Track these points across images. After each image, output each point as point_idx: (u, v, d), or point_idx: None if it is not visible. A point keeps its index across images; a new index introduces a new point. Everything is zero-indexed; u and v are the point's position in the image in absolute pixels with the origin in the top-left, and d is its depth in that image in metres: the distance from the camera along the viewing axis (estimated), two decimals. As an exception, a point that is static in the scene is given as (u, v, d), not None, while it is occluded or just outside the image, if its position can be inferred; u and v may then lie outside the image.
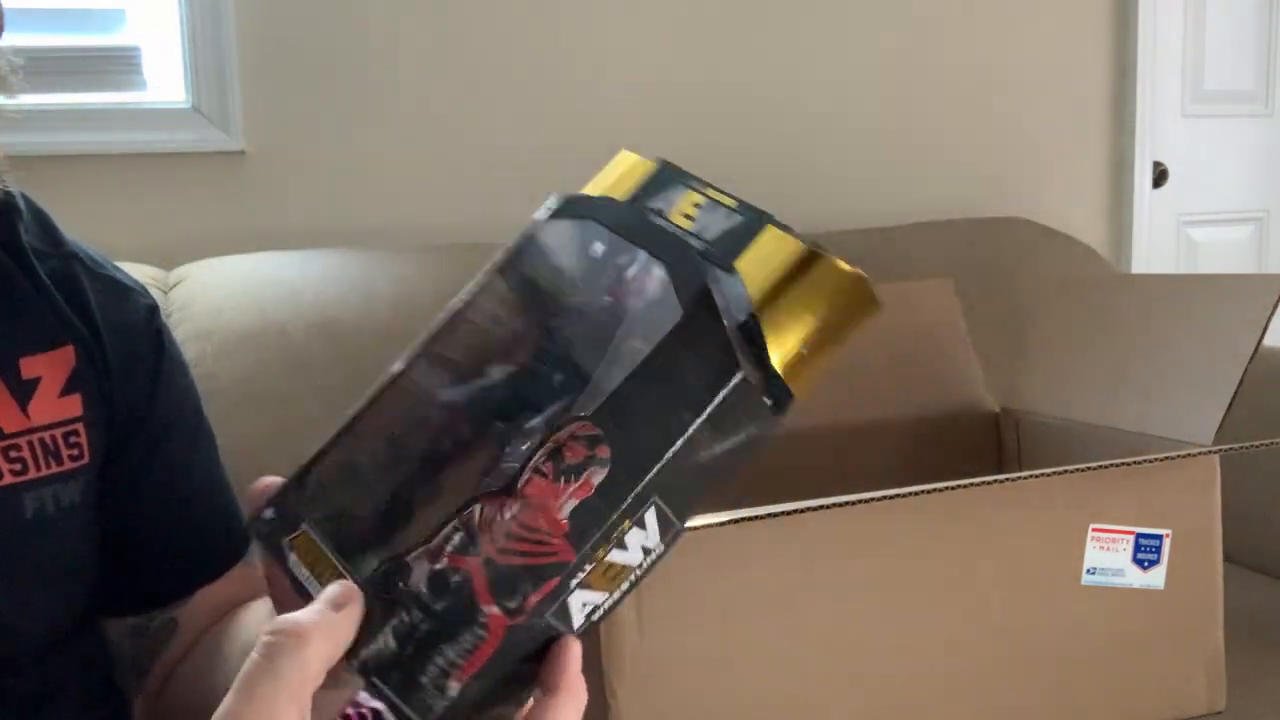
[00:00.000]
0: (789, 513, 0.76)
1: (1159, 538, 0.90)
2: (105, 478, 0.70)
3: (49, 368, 0.67)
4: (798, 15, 1.96)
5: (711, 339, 0.38)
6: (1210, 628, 0.93)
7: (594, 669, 0.79)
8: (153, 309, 0.76)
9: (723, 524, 0.76)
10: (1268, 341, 0.93)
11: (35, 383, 0.66)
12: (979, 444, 1.24)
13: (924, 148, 2.08)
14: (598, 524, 0.37)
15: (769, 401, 0.38)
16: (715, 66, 1.91)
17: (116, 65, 1.62)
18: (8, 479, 0.64)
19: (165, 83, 1.65)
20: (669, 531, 0.38)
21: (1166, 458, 0.89)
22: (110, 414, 0.71)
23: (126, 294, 0.75)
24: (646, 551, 0.38)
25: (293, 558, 0.41)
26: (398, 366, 0.45)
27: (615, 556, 0.38)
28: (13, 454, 0.65)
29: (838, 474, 1.14)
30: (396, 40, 1.72)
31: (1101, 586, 0.90)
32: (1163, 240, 2.41)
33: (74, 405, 0.68)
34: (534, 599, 0.37)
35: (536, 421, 0.39)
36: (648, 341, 0.39)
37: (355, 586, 0.39)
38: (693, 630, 0.80)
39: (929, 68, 2.07)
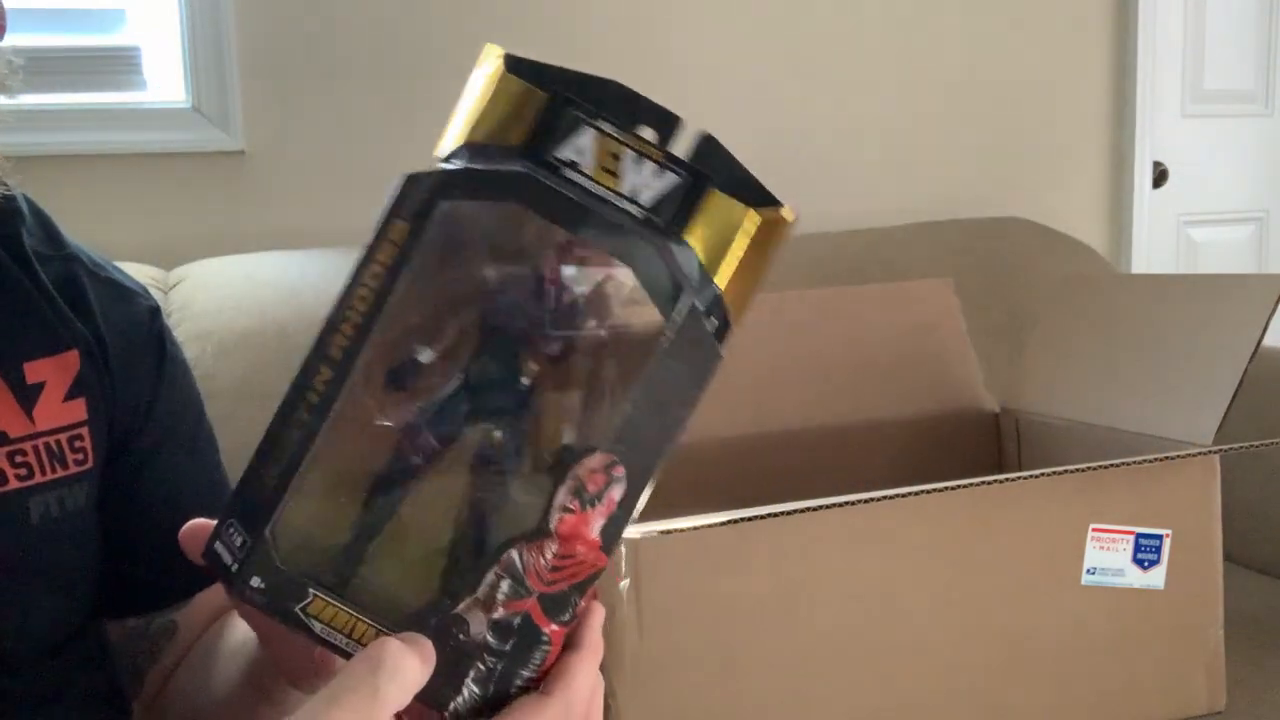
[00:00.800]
0: (789, 513, 0.76)
1: (1159, 538, 0.90)
2: (107, 479, 0.71)
3: (53, 372, 0.67)
4: (798, 15, 1.96)
5: (697, 344, 0.40)
6: (1210, 628, 0.93)
7: (594, 669, 0.80)
8: (155, 311, 0.76)
9: (723, 524, 0.76)
10: (1268, 341, 0.93)
11: (40, 387, 0.66)
12: (979, 444, 1.24)
13: (924, 148, 2.08)
14: (622, 527, 0.41)
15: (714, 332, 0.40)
16: (714, 66, 1.91)
17: (116, 65, 1.62)
18: (14, 484, 0.64)
19: (165, 83, 1.65)
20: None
21: (1166, 458, 0.89)
22: (112, 416, 0.71)
23: (129, 296, 0.75)
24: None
25: (318, 625, 0.41)
26: (320, 393, 0.41)
27: None
28: (18, 459, 0.65)
29: (838, 474, 1.14)
30: (396, 40, 1.72)
31: (1101, 586, 0.90)
32: (1163, 240, 2.41)
33: (78, 409, 0.68)
34: (583, 604, 0.42)
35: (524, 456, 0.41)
36: (634, 359, 0.39)
37: (427, 640, 0.41)
38: (693, 630, 0.80)
39: (929, 68, 2.07)
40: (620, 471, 0.40)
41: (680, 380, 0.40)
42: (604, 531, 0.40)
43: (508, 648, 0.41)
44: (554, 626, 0.41)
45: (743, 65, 1.93)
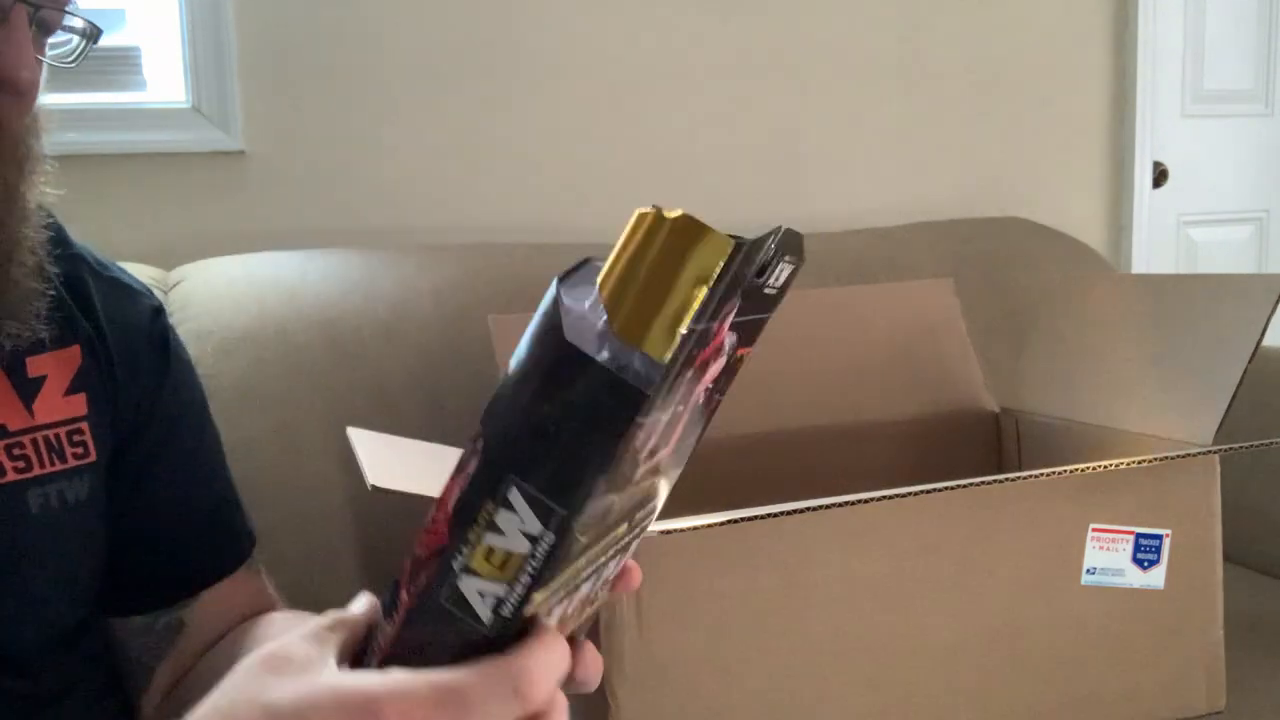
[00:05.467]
0: (789, 513, 0.76)
1: (1159, 538, 0.90)
2: (112, 476, 0.71)
3: (55, 367, 0.68)
4: (797, 14, 1.96)
5: (555, 326, 0.38)
6: (1210, 628, 0.93)
7: (594, 669, 0.79)
8: (158, 310, 0.77)
9: (723, 524, 0.76)
10: (1268, 341, 0.93)
11: (41, 381, 0.67)
12: (979, 444, 1.24)
13: (924, 148, 2.08)
14: (468, 508, 0.39)
15: (614, 370, 0.37)
16: (714, 66, 1.91)
17: (116, 65, 1.62)
18: (11, 476, 0.65)
19: (165, 83, 1.65)
20: (550, 517, 0.38)
21: (1166, 458, 0.89)
22: (115, 413, 0.71)
23: (132, 296, 0.75)
24: (531, 538, 0.38)
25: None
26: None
27: (492, 540, 0.39)
28: (16, 451, 0.65)
29: (838, 474, 1.14)
30: (397, 40, 1.72)
31: (1101, 586, 0.90)
32: (1163, 240, 2.41)
33: (79, 404, 0.68)
34: (423, 578, 0.40)
35: None
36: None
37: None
38: (693, 630, 0.80)
39: (929, 68, 2.07)
40: (480, 444, 0.39)
41: (535, 361, 0.38)
42: (457, 504, 0.39)
43: (386, 610, 0.42)
44: (404, 595, 0.41)
45: (743, 66, 1.93)
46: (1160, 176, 2.35)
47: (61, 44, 0.65)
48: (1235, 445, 0.89)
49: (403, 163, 1.74)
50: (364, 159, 1.72)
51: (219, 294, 1.37)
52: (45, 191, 0.65)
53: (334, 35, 1.69)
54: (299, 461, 1.26)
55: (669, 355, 0.37)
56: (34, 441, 0.66)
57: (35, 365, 0.67)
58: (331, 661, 0.40)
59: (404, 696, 0.37)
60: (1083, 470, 0.86)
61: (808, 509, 0.76)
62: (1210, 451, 0.90)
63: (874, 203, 1.99)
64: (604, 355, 0.37)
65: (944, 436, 1.22)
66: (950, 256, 1.75)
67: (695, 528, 0.74)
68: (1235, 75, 2.47)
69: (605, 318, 0.38)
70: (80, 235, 0.75)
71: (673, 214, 0.38)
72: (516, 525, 0.38)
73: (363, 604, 0.45)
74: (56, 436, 0.67)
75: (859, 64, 2.02)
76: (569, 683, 0.47)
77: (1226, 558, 0.94)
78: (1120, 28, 2.23)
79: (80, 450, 0.68)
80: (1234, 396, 0.91)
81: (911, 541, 0.85)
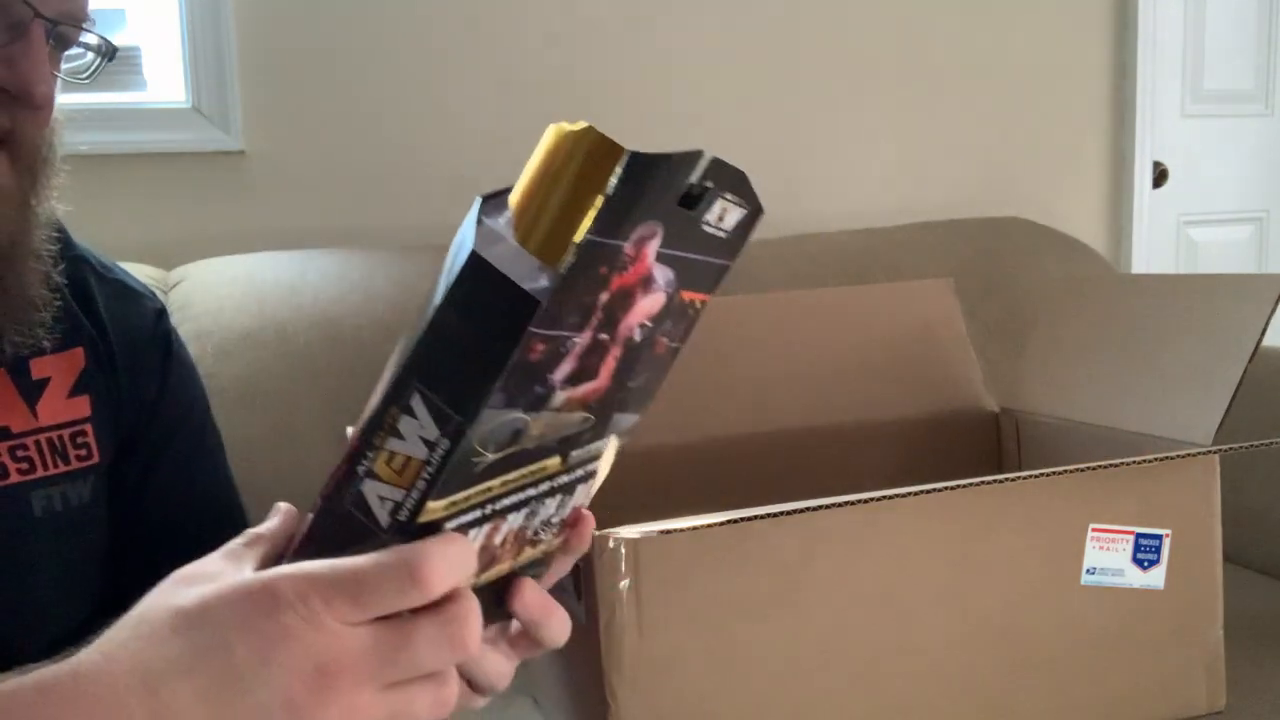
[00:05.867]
0: (789, 513, 0.76)
1: (1159, 538, 0.90)
2: (115, 477, 0.71)
3: (58, 369, 0.68)
4: (797, 14, 1.96)
5: (467, 238, 0.39)
6: (1210, 628, 0.93)
7: (594, 669, 0.79)
8: (161, 312, 0.77)
9: (723, 524, 0.76)
10: (1268, 341, 0.93)
11: (44, 383, 0.67)
12: (979, 444, 1.24)
13: (924, 148, 2.08)
14: (377, 415, 0.40)
15: (509, 276, 0.37)
16: (714, 66, 1.91)
17: (116, 65, 1.61)
18: (14, 477, 0.65)
19: (165, 83, 1.65)
20: (447, 423, 0.39)
21: (1166, 458, 0.89)
22: (118, 415, 0.71)
23: (135, 298, 0.76)
24: (428, 444, 0.39)
25: None
26: None
27: (394, 445, 0.40)
28: (19, 453, 0.65)
29: (838, 474, 1.14)
30: (396, 40, 1.72)
31: (1101, 586, 0.90)
32: (1163, 240, 2.41)
33: (82, 406, 0.69)
34: (333, 484, 0.41)
35: None
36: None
37: None
38: (693, 630, 0.80)
39: (929, 67, 2.07)
40: (396, 356, 0.40)
41: (446, 276, 0.39)
42: (371, 412, 0.41)
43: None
44: (318, 497, 0.42)
45: (743, 66, 1.93)
46: (1160, 176, 2.35)
47: (76, 58, 0.66)
48: (1235, 445, 0.89)
49: (403, 163, 1.74)
50: (364, 159, 1.72)
51: (219, 294, 1.37)
52: (55, 206, 0.66)
53: (334, 35, 1.69)
54: (299, 461, 1.26)
55: (564, 265, 0.37)
56: (37, 443, 0.66)
57: (39, 367, 0.67)
58: (247, 570, 0.42)
59: (301, 579, 0.39)
60: (1083, 470, 0.86)
61: (808, 509, 0.76)
62: (1210, 451, 0.90)
63: (874, 203, 1.99)
64: (503, 262, 0.38)
65: (944, 436, 1.22)
66: (950, 256, 1.75)
67: (695, 528, 0.74)
68: (1235, 75, 2.47)
69: (512, 229, 0.38)
70: (80, 235, 0.75)
71: (576, 126, 0.38)
72: (416, 430, 0.39)
73: (280, 519, 0.46)
74: (60, 438, 0.67)
75: (859, 64, 2.02)
76: (521, 641, 0.48)
77: (1226, 558, 0.94)
78: (1120, 28, 2.23)
79: (84, 452, 0.68)
80: (1234, 396, 0.91)
81: (911, 541, 0.85)
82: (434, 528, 0.40)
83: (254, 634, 0.38)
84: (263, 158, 1.67)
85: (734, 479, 1.09)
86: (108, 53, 0.67)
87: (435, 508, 0.40)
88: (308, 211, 1.69)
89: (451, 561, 0.40)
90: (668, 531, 0.74)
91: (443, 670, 0.41)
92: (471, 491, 0.41)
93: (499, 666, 0.48)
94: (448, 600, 0.40)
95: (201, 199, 1.64)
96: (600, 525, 0.76)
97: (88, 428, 0.69)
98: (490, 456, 0.40)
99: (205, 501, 0.78)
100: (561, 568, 0.51)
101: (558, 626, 0.48)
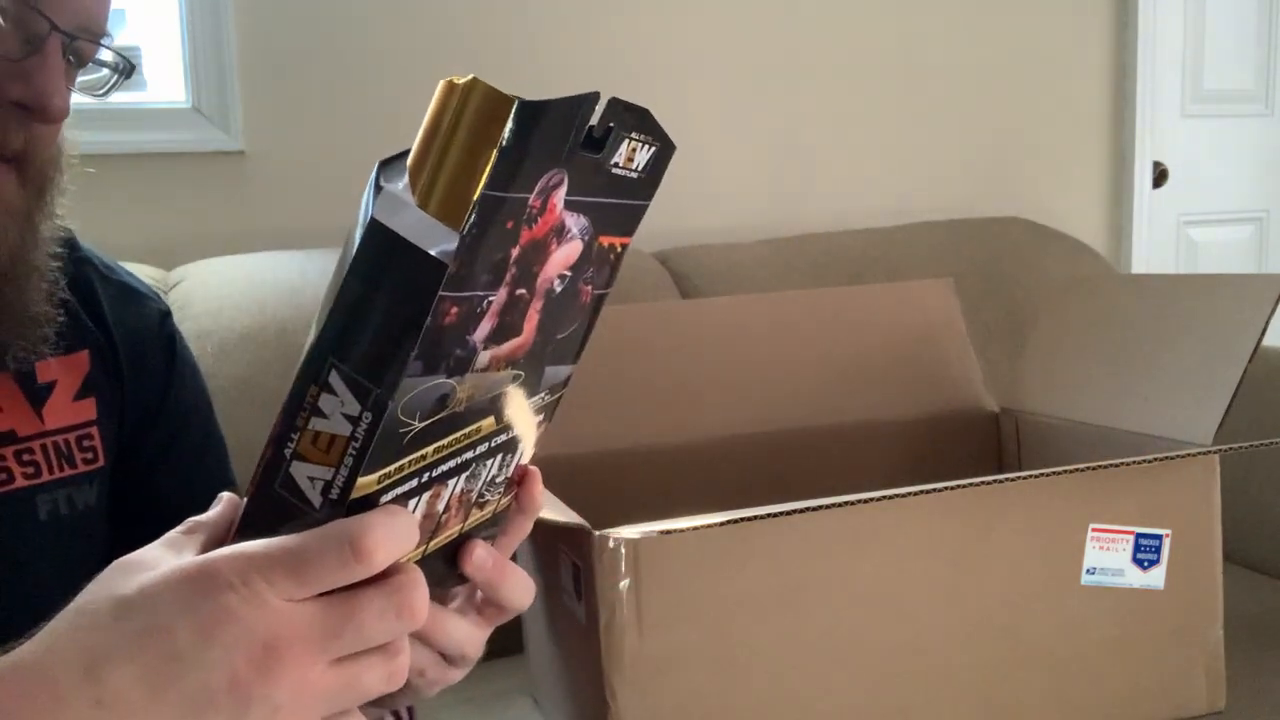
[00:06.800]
0: (789, 513, 0.76)
1: (1159, 538, 0.90)
2: (118, 479, 0.71)
3: (64, 372, 0.68)
4: (797, 15, 1.96)
5: (367, 205, 0.38)
6: (1210, 628, 0.93)
7: (594, 669, 0.79)
8: (165, 314, 0.77)
9: (723, 524, 0.76)
10: (1268, 341, 0.93)
11: (50, 386, 0.67)
12: (979, 444, 1.24)
13: (924, 148, 2.08)
14: (297, 395, 0.39)
15: (412, 241, 0.36)
16: (714, 66, 1.91)
17: (116, 65, 1.62)
18: (20, 482, 0.65)
19: (165, 83, 1.65)
20: (367, 396, 0.38)
21: (1166, 458, 0.89)
22: (123, 416, 0.71)
23: (139, 299, 0.76)
24: (351, 419, 0.38)
25: None
26: None
27: (318, 424, 0.39)
28: (25, 457, 0.65)
29: (838, 474, 1.14)
30: (396, 40, 1.72)
31: (1101, 586, 0.90)
32: (1163, 240, 2.41)
33: (88, 409, 0.69)
34: (262, 469, 0.40)
35: None
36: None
37: None
38: (693, 630, 0.80)
39: (929, 67, 2.07)
40: (311, 334, 0.40)
41: (349, 245, 0.38)
42: (289, 392, 0.40)
43: None
44: (250, 482, 0.42)
45: (743, 65, 1.93)
46: (1160, 176, 2.35)
47: (91, 72, 0.66)
48: (1235, 445, 0.89)
49: (403, 163, 1.74)
50: (364, 159, 1.71)
51: (219, 294, 1.37)
52: (59, 225, 0.66)
53: (334, 36, 1.69)
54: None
55: (466, 224, 0.36)
56: (44, 447, 0.66)
57: (45, 371, 0.67)
58: (187, 557, 0.41)
59: (241, 558, 0.39)
60: (1083, 470, 0.86)
61: (808, 509, 0.76)
62: (1210, 451, 0.90)
63: (874, 203, 1.99)
64: (404, 228, 0.36)
65: (944, 436, 1.22)
66: (950, 256, 1.75)
67: (695, 528, 0.74)
68: (1235, 75, 2.47)
69: (410, 192, 0.37)
70: (80, 235, 0.75)
71: (462, 79, 0.37)
72: (337, 408, 0.38)
73: (220, 507, 0.46)
74: (66, 442, 0.67)
75: (858, 64, 2.02)
76: (488, 607, 0.48)
77: (1226, 558, 0.94)
78: (1120, 28, 2.23)
79: (89, 455, 0.68)
80: (1234, 396, 0.91)
81: (911, 541, 0.85)
82: (369, 502, 0.40)
83: (195, 615, 0.38)
84: (263, 158, 1.67)
85: (734, 479, 1.09)
86: (125, 70, 0.66)
87: (367, 482, 0.39)
88: (308, 211, 1.69)
89: (391, 532, 0.40)
90: (668, 531, 0.74)
91: (392, 642, 0.41)
92: (404, 462, 0.40)
93: (468, 634, 0.48)
94: (392, 571, 0.40)
95: (201, 199, 1.64)
96: (600, 525, 0.76)
97: (94, 431, 0.69)
98: (418, 425, 0.39)
99: (208, 502, 0.78)
100: (518, 528, 0.51)
101: (516, 587, 0.48)
